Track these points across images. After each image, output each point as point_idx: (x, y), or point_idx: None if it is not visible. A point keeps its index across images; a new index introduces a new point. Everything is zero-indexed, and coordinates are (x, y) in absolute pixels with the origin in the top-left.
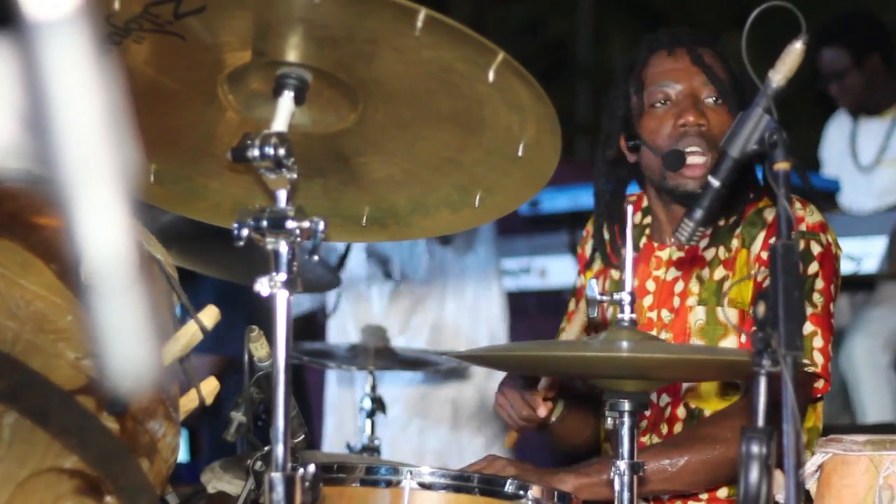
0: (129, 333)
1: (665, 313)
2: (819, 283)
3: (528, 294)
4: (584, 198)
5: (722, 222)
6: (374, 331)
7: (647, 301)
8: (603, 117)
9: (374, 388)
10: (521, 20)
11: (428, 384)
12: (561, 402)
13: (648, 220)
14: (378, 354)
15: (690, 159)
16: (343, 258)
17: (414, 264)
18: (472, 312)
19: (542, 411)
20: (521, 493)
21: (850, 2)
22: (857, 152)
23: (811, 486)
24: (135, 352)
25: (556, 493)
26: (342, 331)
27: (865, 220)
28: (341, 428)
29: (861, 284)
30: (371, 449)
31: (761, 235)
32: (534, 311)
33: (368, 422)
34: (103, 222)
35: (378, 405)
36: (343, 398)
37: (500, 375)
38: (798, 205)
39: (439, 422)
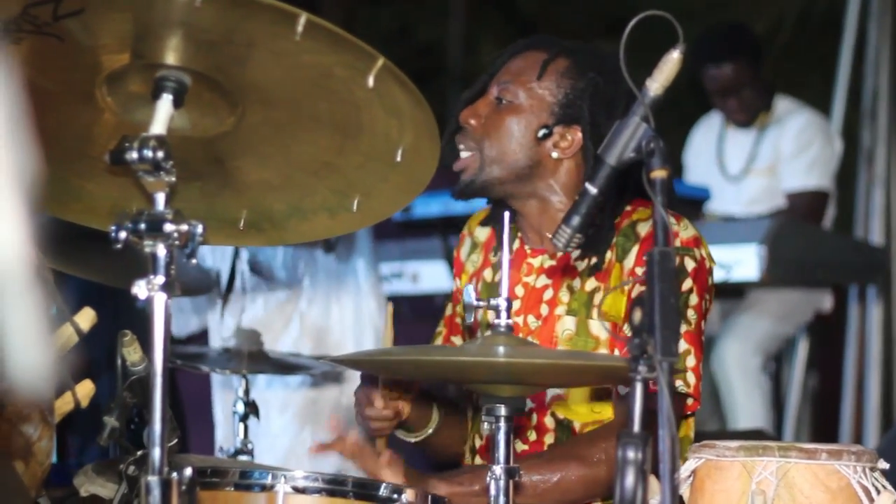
0: (29, 335)
1: (531, 320)
2: (693, 300)
3: (400, 299)
4: (456, 203)
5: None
6: (248, 334)
7: (515, 306)
8: None
9: (247, 391)
10: (391, 25)
11: (316, 389)
12: (436, 414)
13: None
14: (252, 358)
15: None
16: (231, 279)
17: (295, 272)
18: (355, 317)
19: (378, 402)
20: (395, 496)
21: (719, 12)
22: (725, 161)
23: (684, 491)
24: (35, 353)
25: (430, 497)
26: None
27: (735, 228)
28: (227, 434)
29: (731, 292)
30: (243, 452)
31: (634, 249)
32: (406, 316)
33: (241, 426)
34: (4, 225)
35: (251, 409)
36: (226, 403)
37: None
38: (672, 220)
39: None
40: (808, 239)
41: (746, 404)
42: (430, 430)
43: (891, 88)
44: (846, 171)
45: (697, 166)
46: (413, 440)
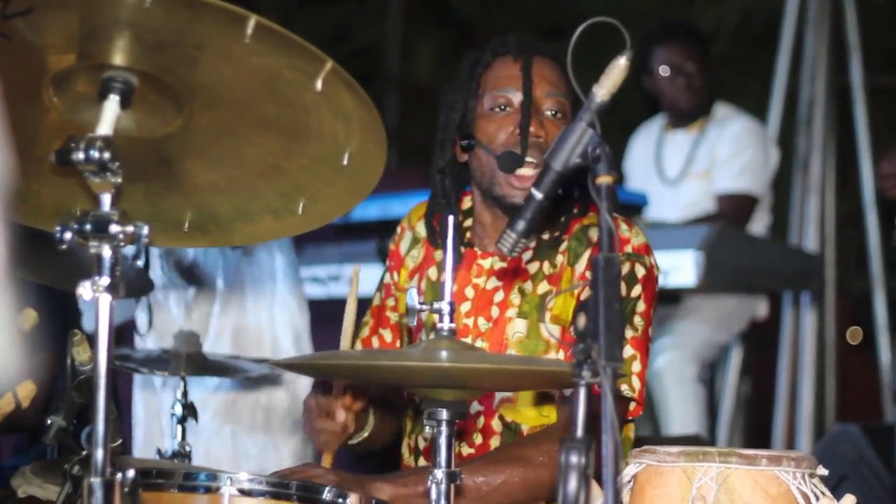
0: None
1: (482, 322)
2: (640, 306)
3: (337, 302)
4: (394, 207)
5: (546, 236)
6: (186, 336)
7: (465, 307)
8: (440, 115)
9: (185, 393)
10: (329, 28)
11: (236, 390)
12: (372, 416)
13: (469, 222)
14: (190, 360)
15: (525, 170)
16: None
17: (212, 270)
18: (270, 318)
19: (339, 415)
20: (340, 500)
21: (656, 21)
22: (663, 165)
23: (625, 496)
24: (6, 350)
25: (374, 500)
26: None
27: (672, 234)
28: (149, 434)
29: (668, 297)
30: (182, 455)
31: (586, 254)
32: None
33: (179, 428)
34: None
35: (190, 411)
36: (147, 404)
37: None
38: (624, 226)
39: (252, 427)
40: (744, 246)
41: (680, 412)
42: (367, 433)
43: (827, 96)
44: (781, 179)
45: (637, 172)
46: (350, 443)
